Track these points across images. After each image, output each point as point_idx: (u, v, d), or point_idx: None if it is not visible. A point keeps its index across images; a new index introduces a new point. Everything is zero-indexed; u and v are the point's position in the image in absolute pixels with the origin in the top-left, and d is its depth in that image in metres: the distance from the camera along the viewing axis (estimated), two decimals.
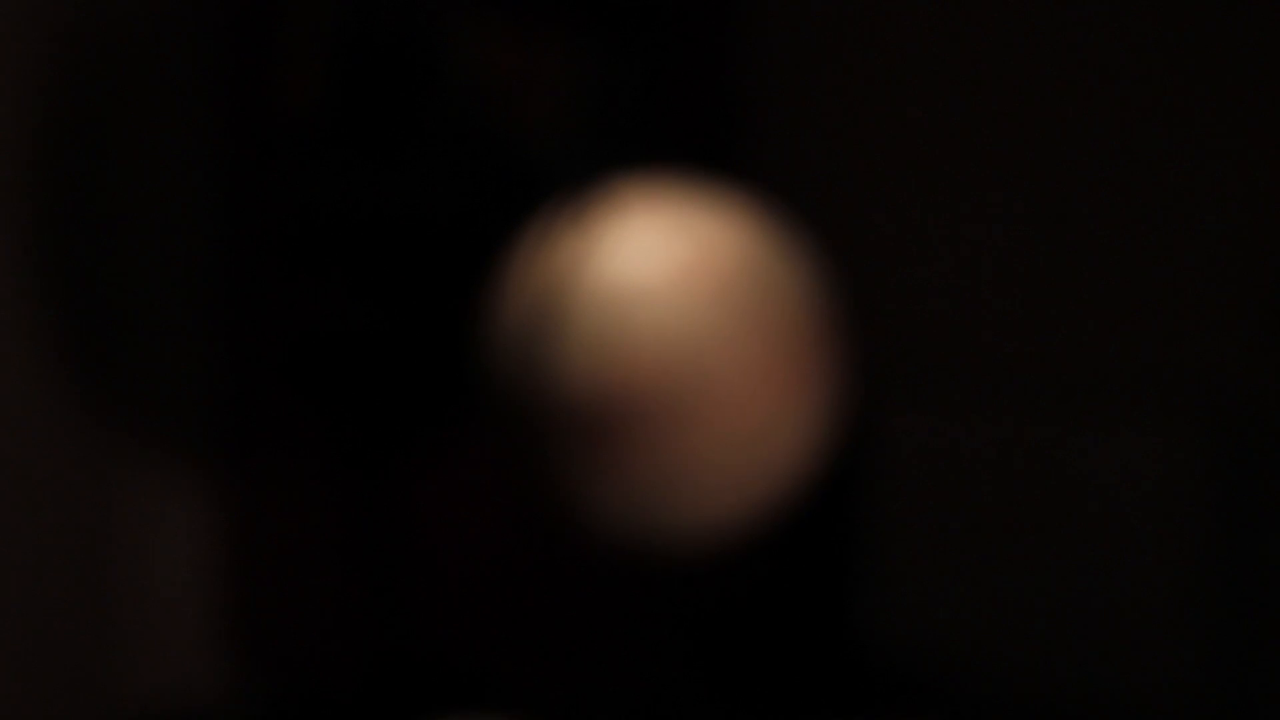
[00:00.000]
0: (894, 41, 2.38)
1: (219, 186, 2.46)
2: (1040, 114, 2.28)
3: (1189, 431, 2.13)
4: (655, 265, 1.48)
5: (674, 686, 2.37)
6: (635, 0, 2.32)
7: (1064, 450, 2.18)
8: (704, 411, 1.45)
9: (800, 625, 2.35)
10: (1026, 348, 2.28)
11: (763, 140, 2.44)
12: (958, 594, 2.24)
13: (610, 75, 2.34)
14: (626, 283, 1.48)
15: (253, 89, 2.42)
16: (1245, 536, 2.14)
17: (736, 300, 1.48)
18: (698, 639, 2.37)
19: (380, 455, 2.41)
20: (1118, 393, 2.19)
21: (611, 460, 1.46)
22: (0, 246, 2.24)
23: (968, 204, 2.33)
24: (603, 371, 1.45)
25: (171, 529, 2.43)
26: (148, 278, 2.43)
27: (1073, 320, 2.27)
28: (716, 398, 1.46)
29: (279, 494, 2.45)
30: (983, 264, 2.32)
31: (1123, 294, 2.25)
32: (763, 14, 2.43)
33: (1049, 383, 2.26)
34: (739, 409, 1.46)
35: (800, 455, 1.51)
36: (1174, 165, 2.21)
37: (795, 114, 2.43)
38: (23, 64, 2.27)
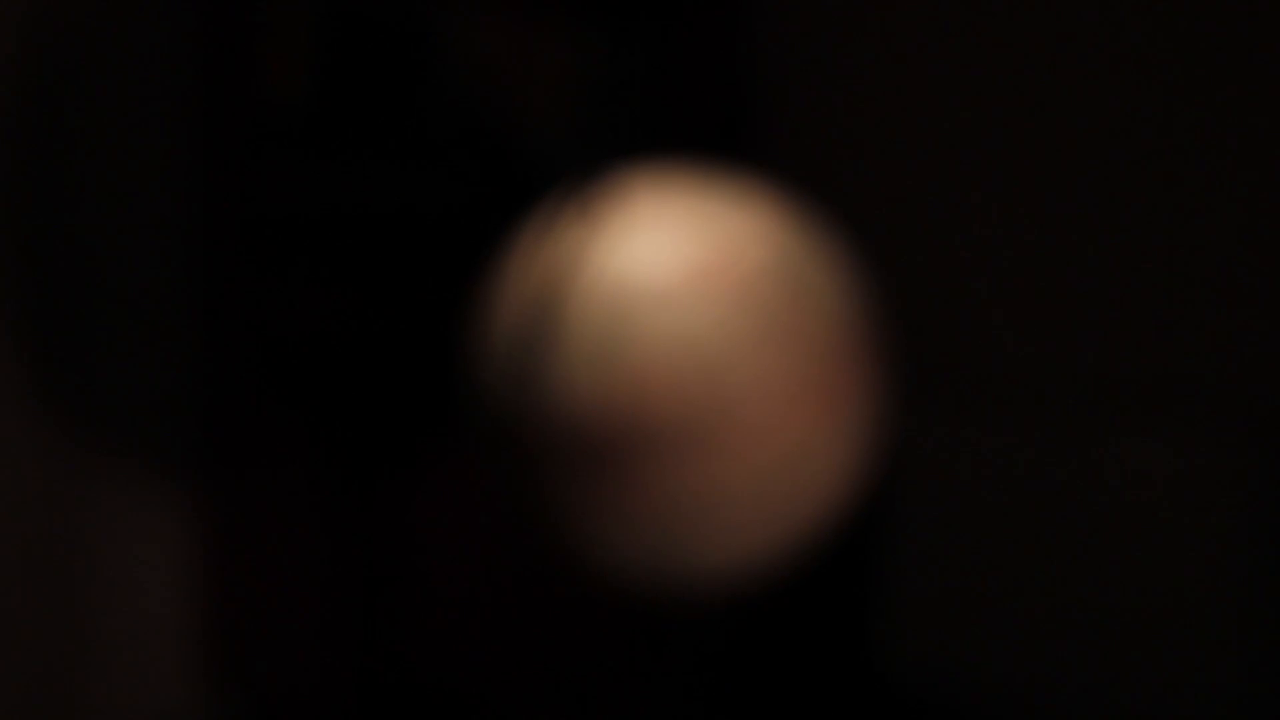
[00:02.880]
0: (918, 20, 2.35)
1: (198, 181, 2.41)
2: (1075, 118, 2.28)
3: (1229, 442, 2.14)
4: (667, 265, 1.35)
5: (684, 712, 2.31)
6: None
7: (1096, 462, 2.20)
8: (724, 434, 1.31)
9: (821, 647, 2.31)
10: (1060, 358, 2.29)
11: (779, 130, 2.40)
12: (985, 612, 2.23)
13: (616, 61, 2.29)
14: (634, 285, 1.34)
15: (234, 76, 2.38)
16: None
17: (760, 304, 1.34)
18: (710, 662, 2.32)
19: (371, 469, 2.37)
20: (1154, 403, 2.21)
21: (617, 490, 1.32)
22: None
23: (998, 205, 2.31)
24: (607, 387, 1.31)
25: (147, 548, 2.41)
26: (122, 278, 2.39)
27: (1110, 330, 2.27)
28: (739, 418, 1.31)
29: (262, 510, 2.39)
30: (1016, 269, 2.31)
31: (1163, 303, 2.25)
32: None
33: (1084, 394, 2.27)
34: (765, 431, 1.32)
35: (836, 484, 1.36)
36: (1216, 172, 2.21)
37: (814, 101, 2.39)
38: None
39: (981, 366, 2.30)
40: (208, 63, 2.40)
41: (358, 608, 2.37)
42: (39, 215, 2.32)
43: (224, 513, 2.40)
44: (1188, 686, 2.15)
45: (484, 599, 2.36)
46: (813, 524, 1.35)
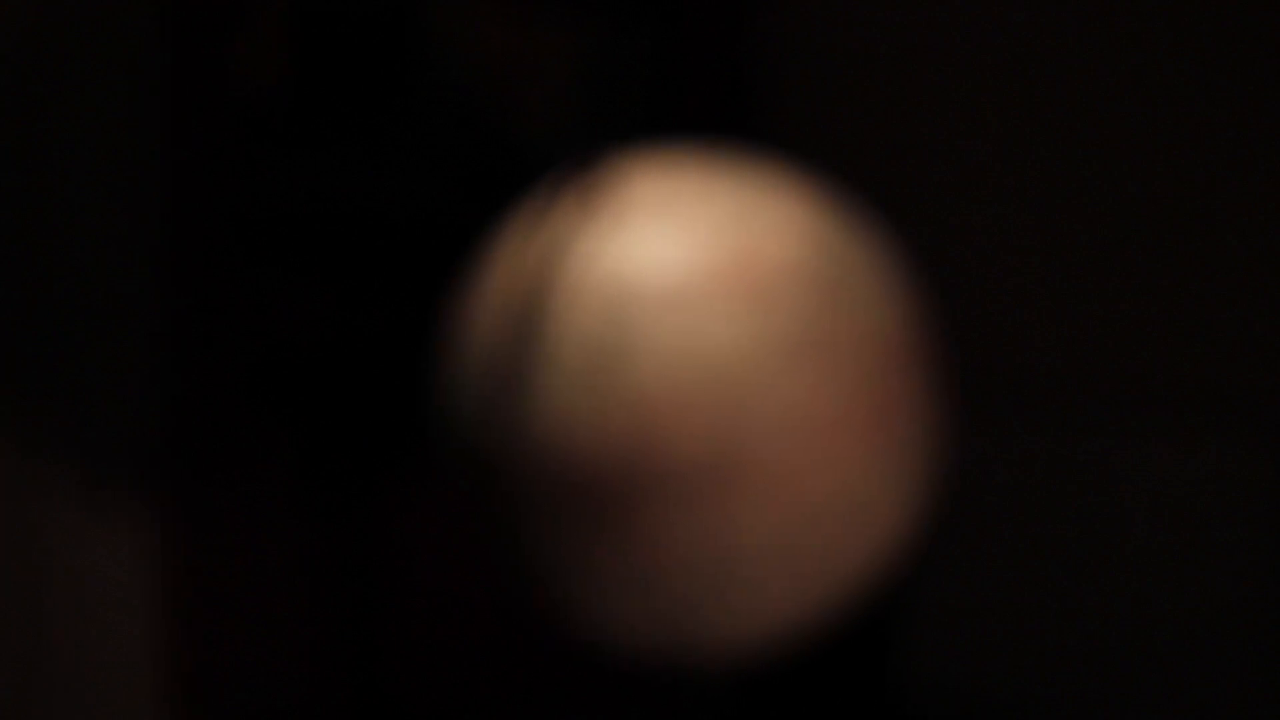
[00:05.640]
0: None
1: (170, 176, 2.41)
2: (1102, 113, 2.26)
3: (1261, 450, 2.14)
4: (675, 262, 1.14)
5: None
6: None
7: (1121, 471, 2.20)
8: (748, 472, 1.10)
9: (840, 668, 2.22)
10: (1082, 363, 2.27)
11: (788, 119, 2.35)
12: (1008, 628, 2.20)
13: (617, 45, 2.28)
14: (636, 287, 1.13)
15: (207, 61, 2.38)
16: None
17: (789, 310, 1.12)
18: (721, 695, 2.23)
19: (356, 485, 2.35)
20: (1180, 409, 2.21)
21: (616, 543, 1.10)
22: None
23: (1024, 202, 2.28)
24: (602, 413, 1.10)
25: (110, 571, 2.39)
26: (85, 277, 2.36)
27: (1133, 334, 2.25)
28: (766, 451, 1.09)
29: (235, 529, 2.35)
30: (1033, 271, 2.27)
31: (1187, 307, 2.23)
32: None
33: (1107, 401, 2.25)
34: (799, 468, 1.10)
35: (887, 532, 1.14)
36: (1248, 177, 2.19)
37: (824, 89, 2.33)
38: None
39: (997, 373, 2.27)
40: (179, 48, 2.39)
41: (344, 640, 2.34)
42: (1, 212, 2.31)
43: (195, 531, 2.37)
44: (1220, 704, 2.13)
45: (486, 631, 2.31)
46: (858, 582, 1.11)
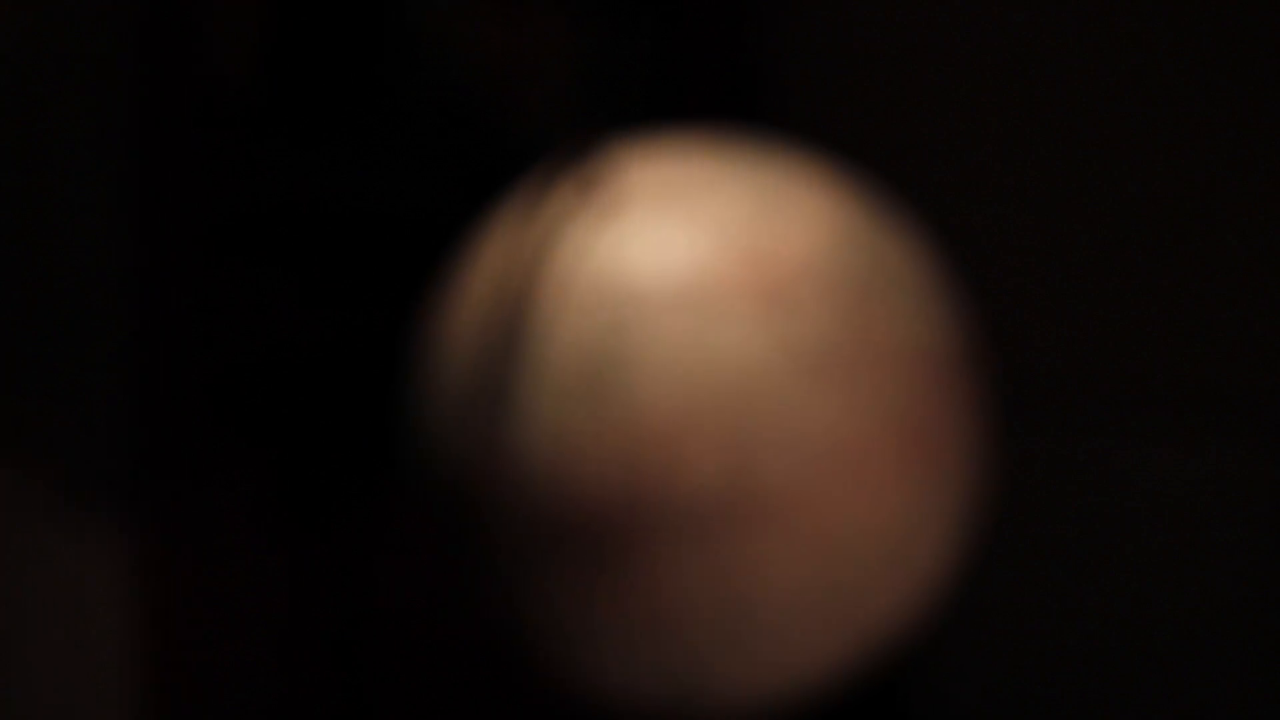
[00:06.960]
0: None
1: (138, 172, 2.37)
2: (1093, 115, 2.24)
3: (1263, 451, 2.12)
4: (681, 261, 1.02)
5: None
6: None
7: (1121, 468, 2.16)
8: (764, 502, 0.98)
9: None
10: (1084, 361, 2.24)
11: (793, 122, 2.32)
12: (1010, 630, 2.18)
13: (618, 50, 2.23)
14: (637, 291, 1.02)
15: (179, 52, 2.34)
16: None
17: (812, 315, 1.00)
18: None
19: (332, 500, 2.32)
20: (1182, 408, 2.19)
21: (616, 586, 0.98)
22: None
23: (1023, 202, 2.25)
24: (597, 434, 0.98)
25: (79, 589, 2.36)
26: (52, 280, 2.34)
27: (1137, 332, 2.22)
28: (786, 479, 0.98)
29: (207, 547, 2.33)
30: (1036, 272, 2.25)
31: (1191, 307, 2.21)
32: None
33: (1108, 397, 2.23)
34: (823, 498, 0.98)
35: (925, 571, 1.02)
36: (1244, 174, 2.19)
37: (828, 92, 2.32)
38: None
39: (998, 374, 2.23)
40: (150, 36, 2.35)
41: (319, 661, 2.30)
42: None
43: (165, 549, 2.34)
44: (1220, 704, 2.11)
45: (464, 654, 2.29)
46: (892, 627, 0.97)
